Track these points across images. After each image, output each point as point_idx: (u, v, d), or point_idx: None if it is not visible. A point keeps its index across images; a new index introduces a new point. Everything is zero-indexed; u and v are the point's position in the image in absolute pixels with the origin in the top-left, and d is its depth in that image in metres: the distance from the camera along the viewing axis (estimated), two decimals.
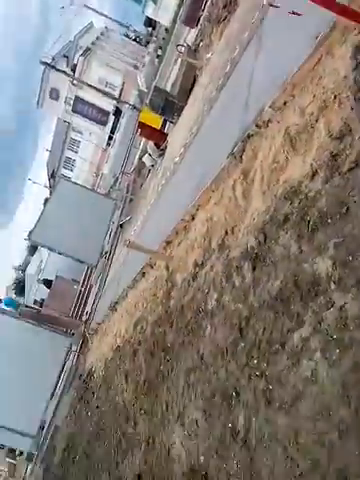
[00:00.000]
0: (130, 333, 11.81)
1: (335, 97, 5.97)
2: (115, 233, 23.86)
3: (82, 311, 23.94)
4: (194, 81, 17.48)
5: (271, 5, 8.43)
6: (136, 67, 43.43)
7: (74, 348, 21.62)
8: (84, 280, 26.75)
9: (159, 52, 38.65)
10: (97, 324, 18.52)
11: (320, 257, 5.28)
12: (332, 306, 4.60)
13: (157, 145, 20.14)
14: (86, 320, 21.91)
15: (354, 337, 4.07)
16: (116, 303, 15.47)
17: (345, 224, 5.18)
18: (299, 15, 6.66)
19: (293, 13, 6.78)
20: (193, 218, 10.33)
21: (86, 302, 24.30)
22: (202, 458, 5.38)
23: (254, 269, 6.56)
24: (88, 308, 23.05)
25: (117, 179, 32.38)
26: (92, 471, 10.22)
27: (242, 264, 6.98)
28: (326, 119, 6.15)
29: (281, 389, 4.55)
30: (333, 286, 4.80)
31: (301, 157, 6.67)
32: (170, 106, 18.19)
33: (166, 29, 35.13)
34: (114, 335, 13.98)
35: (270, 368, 4.94)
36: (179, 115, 17.63)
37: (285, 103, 7.29)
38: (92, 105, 43.27)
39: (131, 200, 24.48)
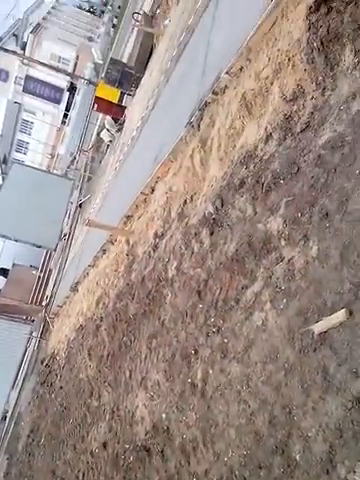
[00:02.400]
0: (92, 310, 12.00)
1: (289, 60, 6.29)
2: (74, 213, 23.66)
3: (42, 296, 23.77)
4: (152, 50, 17.41)
5: None
6: (91, 39, 42.46)
7: (35, 334, 21.54)
8: (43, 265, 26.46)
9: (115, 22, 37.97)
10: (58, 307, 18.54)
11: (272, 216, 5.67)
12: (282, 260, 5.01)
13: (115, 119, 20.00)
14: (47, 305, 21.81)
15: (299, 286, 4.49)
16: (77, 283, 15.55)
17: (296, 183, 5.59)
18: None
19: None
20: (153, 190, 10.54)
21: (46, 286, 24.13)
22: (164, 415, 5.75)
23: (212, 234, 6.90)
24: (48, 292, 22.93)
25: (74, 158, 31.87)
26: (58, 450, 10.48)
27: (200, 230, 7.30)
28: (280, 82, 6.48)
29: (235, 340, 4.94)
30: (283, 242, 5.21)
31: (256, 121, 7.01)
32: (127, 78, 18.06)
33: None
34: (76, 315, 14.12)
35: (226, 324, 5.32)
36: (137, 86, 17.57)
37: (241, 68, 7.56)
38: (44, 83, 41.96)
39: (90, 178, 24.28)
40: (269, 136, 6.50)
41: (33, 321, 22.92)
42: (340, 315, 3.81)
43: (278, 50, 6.45)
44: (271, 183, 6.07)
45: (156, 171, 10.03)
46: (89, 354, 10.71)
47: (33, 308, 23.38)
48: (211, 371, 5.13)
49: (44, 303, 22.74)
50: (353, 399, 3.22)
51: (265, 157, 6.48)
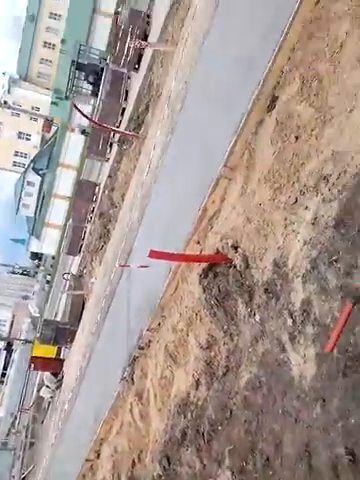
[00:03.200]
0: None
1: (196, 314, 7.21)
2: None
3: None
4: (83, 304, 18.75)
5: (122, 266, 10.53)
6: (26, 297, 45.10)
7: None
8: None
9: (48, 278, 41.31)
10: None
11: (220, 469, 5.51)
12: None
13: (54, 374, 19.68)
14: None
15: None
16: None
17: (232, 429, 5.67)
18: (147, 267, 8.45)
19: (142, 266, 8.64)
20: (98, 455, 9.82)
21: None
22: None
23: None
24: None
25: (16, 418, 29.41)
26: None
27: None
28: (194, 333, 7.23)
29: None
30: None
31: (183, 368, 7.43)
32: (62, 333, 18.68)
33: (53, 256, 38.63)
34: None
35: None
36: (72, 340, 18.09)
37: (159, 324, 8.39)
38: None
39: (32, 444, 21.90)
40: (197, 381, 6.84)
41: None
42: None
43: (186, 307, 7.45)
44: (210, 431, 6.08)
45: (99, 432, 9.55)
46: None
47: None
48: None
49: None
50: None
51: (199, 403, 6.65)
